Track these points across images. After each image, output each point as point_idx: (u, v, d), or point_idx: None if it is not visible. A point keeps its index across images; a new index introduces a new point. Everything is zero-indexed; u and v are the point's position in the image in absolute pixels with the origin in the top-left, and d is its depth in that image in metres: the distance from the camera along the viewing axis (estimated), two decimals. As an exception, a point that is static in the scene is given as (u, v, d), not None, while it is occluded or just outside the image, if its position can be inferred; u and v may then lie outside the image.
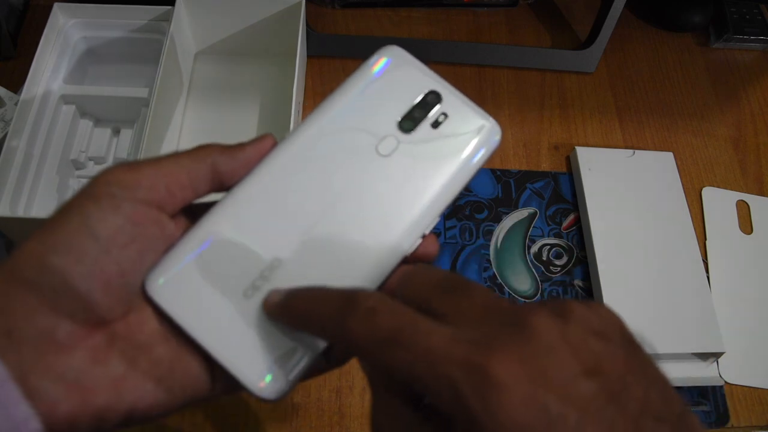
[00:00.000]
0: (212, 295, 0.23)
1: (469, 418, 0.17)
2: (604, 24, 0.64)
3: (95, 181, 0.22)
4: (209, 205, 0.24)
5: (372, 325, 0.19)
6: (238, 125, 0.56)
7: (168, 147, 0.52)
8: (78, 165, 0.52)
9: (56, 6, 0.52)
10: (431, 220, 0.25)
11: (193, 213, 0.25)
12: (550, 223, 0.57)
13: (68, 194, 0.50)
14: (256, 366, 0.23)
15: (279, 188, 0.25)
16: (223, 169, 0.24)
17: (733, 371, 0.51)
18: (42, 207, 0.49)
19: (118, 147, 0.54)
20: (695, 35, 0.71)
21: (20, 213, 0.47)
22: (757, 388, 0.51)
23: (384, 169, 0.25)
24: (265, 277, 0.23)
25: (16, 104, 0.48)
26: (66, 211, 0.21)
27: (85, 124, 0.53)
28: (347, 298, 0.20)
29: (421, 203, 0.25)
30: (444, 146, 0.26)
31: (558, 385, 0.17)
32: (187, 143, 0.55)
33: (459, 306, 0.20)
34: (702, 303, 0.52)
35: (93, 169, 0.53)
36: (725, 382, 0.51)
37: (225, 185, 0.24)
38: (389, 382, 0.21)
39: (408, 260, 0.25)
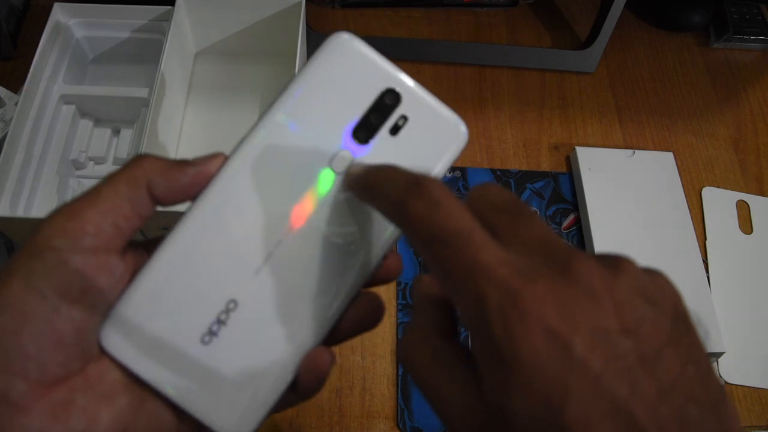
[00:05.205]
0: (170, 344, 0.22)
1: (487, 339, 0.17)
2: (604, 24, 0.64)
3: (37, 236, 0.21)
4: (156, 241, 0.23)
5: (431, 217, 0.19)
6: (238, 125, 0.56)
7: (168, 147, 0.52)
8: (78, 165, 0.52)
9: (56, 6, 0.52)
10: (393, 240, 0.24)
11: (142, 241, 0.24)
12: (550, 223, 0.57)
13: (68, 194, 0.50)
14: (223, 409, 0.22)
15: (227, 221, 0.23)
16: (157, 192, 0.22)
17: (733, 371, 0.51)
18: (42, 207, 0.48)
19: (118, 147, 0.54)
20: (695, 35, 0.71)
21: (20, 213, 0.47)
22: (757, 388, 0.51)
23: (340, 189, 0.23)
24: (221, 322, 0.23)
25: (16, 104, 0.48)
26: (11, 271, 0.20)
27: (85, 124, 0.53)
28: (414, 181, 0.20)
29: (382, 223, 0.24)
30: (405, 155, 0.24)
31: (588, 331, 0.17)
32: (187, 143, 0.55)
33: (517, 232, 0.19)
34: (702, 303, 0.52)
35: (93, 169, 0.53)
36: (725, 382, 0.51)
37: (164, 205, 0.23)
38: (433, 310, 0.21)
39: (369, 282, 0.24)
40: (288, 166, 0.23)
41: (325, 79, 0.24)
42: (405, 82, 0.24)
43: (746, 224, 0.58)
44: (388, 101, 0.24)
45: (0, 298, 0.20)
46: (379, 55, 0.24)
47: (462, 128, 0.24)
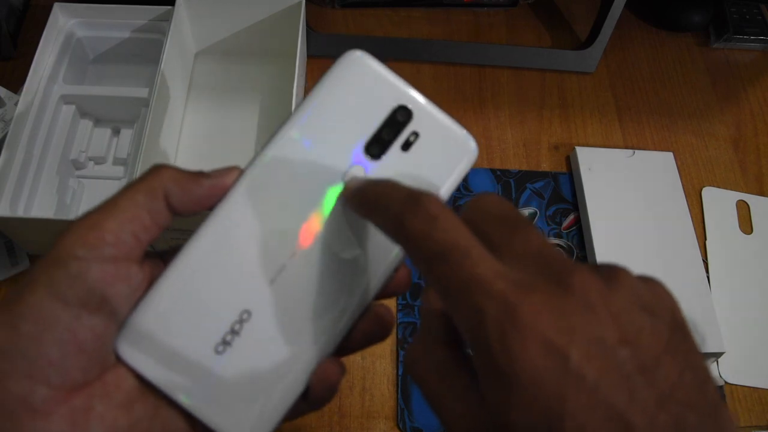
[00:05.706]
0: (185, 353, 0.23)
1: (486, 352, 0.17)
2: (604, 24, 0.64)
3: (58, 245, 0.21)
4: (173, 251, 0.24)
5: (428, 233, 0.19)
6: (238, 125, 0.56)
7: (168, 147, 0.52)
8: (78, 165, 0.52)
9: (56, 6, 0.52)
10: (403, 255, 0.24)
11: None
12: (550, 223, 0.57)
13: (68, 194, 0.50)
14: (236, 419, 0.23)
15: (242, 234, 0.23)
16: (174, 202, 0.23)
17: (733, 371, 0.51)
18: (42, 207, 0.49)
19: (118, 147, 0.54)
20: (695, 35, 0.71)
21: (20, 213, 0.47)
22: (757, 388, 0.51)
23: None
24: (235, 332, 0.23)
25: (16, 104, 0.48)
26: (33, 279, 0.21)
27: (85, 124, 0.53)
28: (411, 197, 0.20)
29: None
30: (416, 171, 0.24)
31: (585, 342, 0.17)
32: (187, 143, 0.55)
33: (514, 244, 0.20)
34: (702, 303, 0.52)
35: (93, 169, 0.53)
36: (725, 382, 0.51)
37: (181, 215, 0.23)
38: (438, 321, 0.21)
39: (379, 295, 0.25)
40: (302, 181, 0.24)
41: (338, 96, 0.24)
42: (416, 98, 0.24)
43: (746, 224, 0.58)
44: (399, 118, 0.24)
45: (23, 305, 0.20)
46: (391, 72, 0.25)
47: (472, 144, 0.25)
